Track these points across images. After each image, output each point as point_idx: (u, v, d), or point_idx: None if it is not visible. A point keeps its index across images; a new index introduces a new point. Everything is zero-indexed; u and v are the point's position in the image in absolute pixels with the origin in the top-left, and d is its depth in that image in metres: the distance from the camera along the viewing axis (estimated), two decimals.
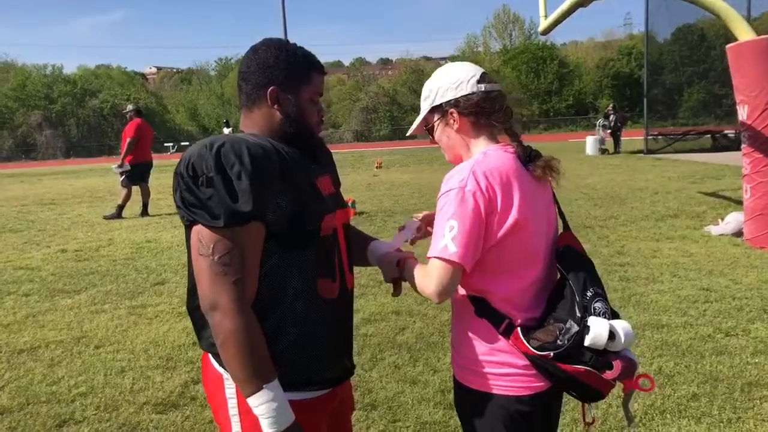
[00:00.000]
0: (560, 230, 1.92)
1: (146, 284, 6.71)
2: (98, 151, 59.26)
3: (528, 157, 1.79)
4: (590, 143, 24.16)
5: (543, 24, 10.32)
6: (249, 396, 1.52)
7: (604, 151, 23.83)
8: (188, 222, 1.58)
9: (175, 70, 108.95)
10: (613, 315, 1.71)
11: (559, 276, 1.80)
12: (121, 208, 11.82)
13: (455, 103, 1.83)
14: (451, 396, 3.73)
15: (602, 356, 1.65)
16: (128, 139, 11.64)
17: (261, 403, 1.51)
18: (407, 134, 2.16)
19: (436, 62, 79.46)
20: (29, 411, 3.78)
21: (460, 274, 1.70)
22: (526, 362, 1.71)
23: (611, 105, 26.50)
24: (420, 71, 62.91)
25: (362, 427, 3.42)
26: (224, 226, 1.51)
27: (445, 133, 1.90)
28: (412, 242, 2.11)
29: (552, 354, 1.65)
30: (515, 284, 1.74)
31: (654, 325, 4.74)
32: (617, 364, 1.65)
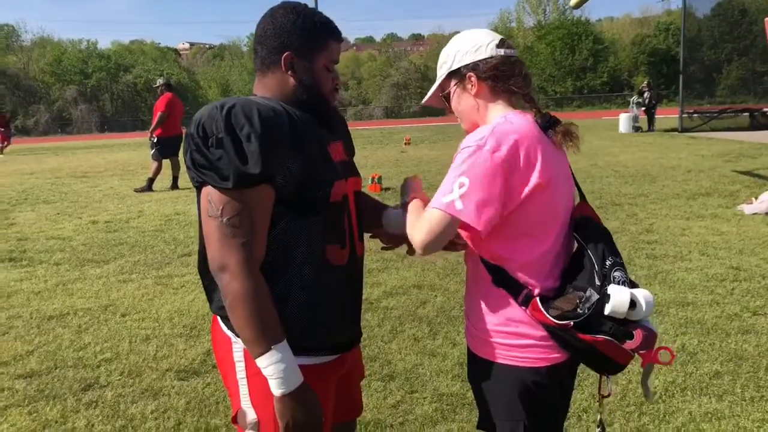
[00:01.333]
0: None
1: (173, 255, 6.81)
2: (132, 126, 60.03)
3: (547, 124, 1.74)
4: (623, 121, 23.73)
5: None
6: (257, 357, 1.52)
7: (637, 129, 23.40)
8: (197, 183, 1.58)
9: (207, 46, 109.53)
10: (632, 285, 1.67)
11: (576, 246, 1.76)
12: (151, 181, 11.97)
13: (474, 66, 1.78)
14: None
15: (623, 325, 1.62)
16: (159, 113, 11.75)
17: (269, 364, 1.51)
18: (422, 103, 2.11)
19: None
20: (56, 375, 3.87)
21: (454, 230, 1.66)
22: (544, 333, 1.68)
23: (646, 82, 25.93)
24: None
25: (380, 398, 3.44)
26: (233, 188, 1.50)
27: (462, 99, 1.84)
28: None
29: (572, 323, 1.61)
30: (534, 249, 1.70)
31: (679, 302, 4.67)
32: (638, 334, 1.61)
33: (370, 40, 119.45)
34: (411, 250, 1.93)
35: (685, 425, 3.04)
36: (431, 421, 3.19)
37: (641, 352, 1.67)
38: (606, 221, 7.47)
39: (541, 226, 1.70)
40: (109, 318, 4.87)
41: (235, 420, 1.68)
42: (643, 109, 24.29)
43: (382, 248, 2.04)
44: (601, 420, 1.89)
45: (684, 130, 22.49)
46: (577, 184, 1.90)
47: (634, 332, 1.61)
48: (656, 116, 24.40)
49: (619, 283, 1.63)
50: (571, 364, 1.77)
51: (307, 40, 1.67)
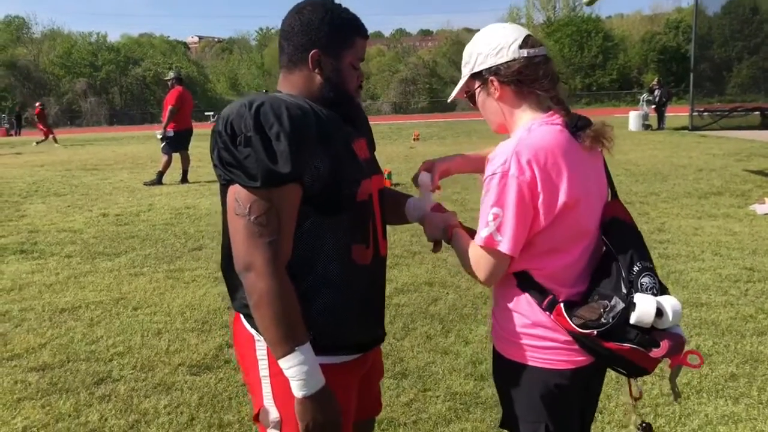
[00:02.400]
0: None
1: (184, 249, 6.82)
2: (140, 118, 60.20)
3: (576, 126, 1.68)
4: (633, 118, 23.61)
5: None
6: (280, 358, 1.51)
7: (647, 127, 23.28)
8: (225, 181, 1.57)
9: (216, 40, 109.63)
10: (662, 289, 1.65)
11: (605, 250, 1.73)
12: (161, 174, 11.99)
13: (495, 70, 1.72)
14: (483, 367, 3.75)
15: (648, 334, 1.59)
16: (169, 107, 11.75)
17: (292, 366, 1.50)
18: (448, 100, 2.09)
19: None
20: (69, 368, 3.88)
21: (506, 261, 1.67)
22: (569, 337, 1.67)
23: (656, 80, 25.81)
24: (460, 43, 62.02)
25: (393, 395, 3.43)
26: (261, 187, 1.49)
27: (486, 102, 1.81)
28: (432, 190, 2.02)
29: (595, 332, 1.59)
30: (562, 260, 1.69)
31: (693, 303, 4.64)
32: (664, 343, 1.58)
33: (378, 36, 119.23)
34: (437, 249, 1.94)
35: (701, 428, 3.02)
36: (445, 420, 3.18)
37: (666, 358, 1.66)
38: None
39: (567, 241, 1.69)
40: (121, 311, 4.88)
41: (257, 418, 1.68)
42: (654, 107, 24.18)
43: (432, 250, 2.03)
44: (642, 422, 1.86)
45: (694, 128, 22.36)
46: (611, 182, 1.85)
47: (660, 341, 1.58)
48: (666, 114, 24.28)
49: (647, 290, 1.60)
50: (597, 367, 1.75)
51: (335, 38, 1.66)
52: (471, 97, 1.86)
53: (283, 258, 1.54)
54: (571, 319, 1.62)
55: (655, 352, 1.58)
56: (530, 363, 1.72)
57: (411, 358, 3.87)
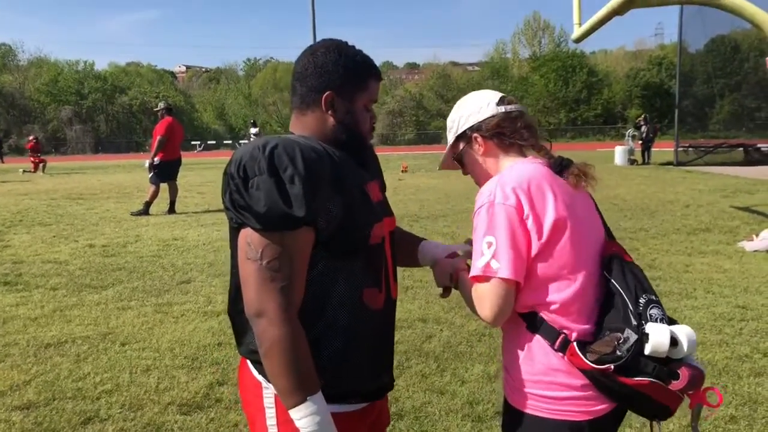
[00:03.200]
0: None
1: (172, 282, 6.72)
2: (126, 147, 60.03)
3: (560, 167, 1.76)
4: (619, 153, 23.91)
5: (577, 32, 10.18)
6: (291, 408, 1.46)
7: (633, 162, 23.56)
8: (236, 224, 1.53)
9: (203, 69, 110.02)
10: (671, 322, 1.64)
11: (607, 286, 1.71)
12: (148, 204, 11.89)
13: (477, 127, 1.85)
14: (480, 408, 3.69)
15: (666, 365, 1.57)
16: (159, 137, 11.71)
17: (304, 416, 1.45)
18: (438, 168, 2.13)
19: (464, 67, 79.20)
20: (55, 407, 3.77)
21: (513, 291, 1.64)
22: (585, 382, 1.63)
23: (643, 116, 26.17)
24: (447, 76, 63.02)
25: None
26: (275, 231, 1.46)
27: (472, 159, 1.91)
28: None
29: (612, 367, 1.56)
30: (565, 291, 1.66)
31: None
32: (683, 372, 1.56)
33: None
34: (445, 295, 1.93)
35: None
36: None
37: (689, 392, 1.62)
38: None
39: (568, 266, 1.66)
40: (109, 347, 4.77)
41: None
42: (640, 142, 24.48)
43: (441, 295, 2.02)
44: None
45: (679, 163, 22.66)
46: (604, 223, 1.87)
47: (678, 371, 1.56)
48: (652, 149, 24.59)
49: (656, 321, 1.59)
50: (614, 414, 1.71)
51: (349, 81, 1.66)
52: (459, 159, 1.96)
53: (296, 304, 1.50)
54: (585, 356, 1.59)
55: (674, 384, 1.56)
56: (545, 415, 1.68)
57: (406, 398, 3.80)
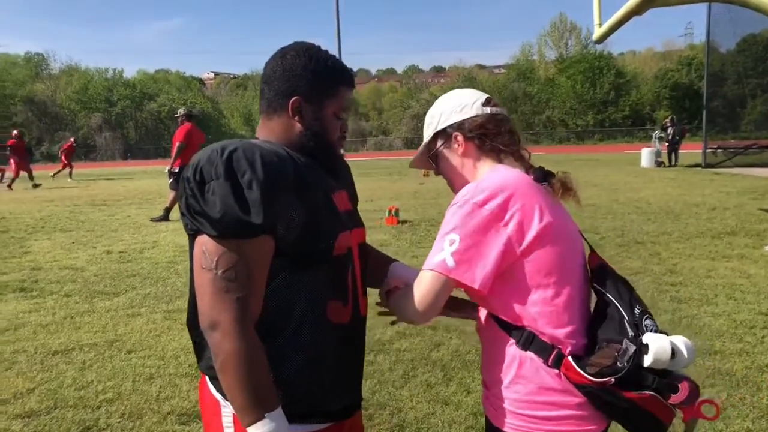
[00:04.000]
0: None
1: (185, 289, 6.69)
2: (155, 153, 60.76)
3: (542, 176, 1.67)
4: (645, 155, 23.49)
5: (597, 32, 10.01)
6: (249, 425, 1.38)
7: (660, 164, 23.13)
8: (191, 231, 1.46)
9: (231, 76, 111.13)
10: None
11: (597, 297, 1.62)
12: (168, 210, 11.95)
13: (459, 125, 1.75)
14: (483, 420, 3.56)
15: (665, 377, 1.48)
16: (178, 143, 11.75)
17: None
18: (409, 165, 2.02)
19: (490, 70, 78.87)
20: (55, 415, 3.74)
21: (449, 291, 1.56)
22: (580, 400, 1.53)
23: (670, 117, 25.71)
24: (472, 79, 62.59)
25: None
26: (230, 238, 1.38)
27: (449, 159, 1.80)
28: None
29: (613, 380, 1.46)
30: (553, 300, 1.56)
31: (706, 351, 4.45)
32: (683, 386, 1.46)
33: (391, 72, 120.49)
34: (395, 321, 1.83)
35: None
36: None
37: (683, 407, 1.51)
38: (628, 260, 7.25)
39: (555, 275, 1.56)
40: (115, 354, 4.75)
41: None
42: (667, 144, 24.05)
43: (379, 313, 1.91)
44: None
45: (707, 165, 22.19)
46: (582, 236, 1.78)
47: (678, 384, 1.46)
48: (679, 151, 24.13)
49: (652, 332, 1.50)
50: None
51: (318, 86, 1.57)
52: (434, 157, 1.84)
53: (253, 316, 1.42)
54: (584, 370, 1.49)
55: (674, 398, 1.47)
56: None
57: (410, 409, 3.70)
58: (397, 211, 10.46)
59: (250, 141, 1.50)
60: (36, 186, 21.67)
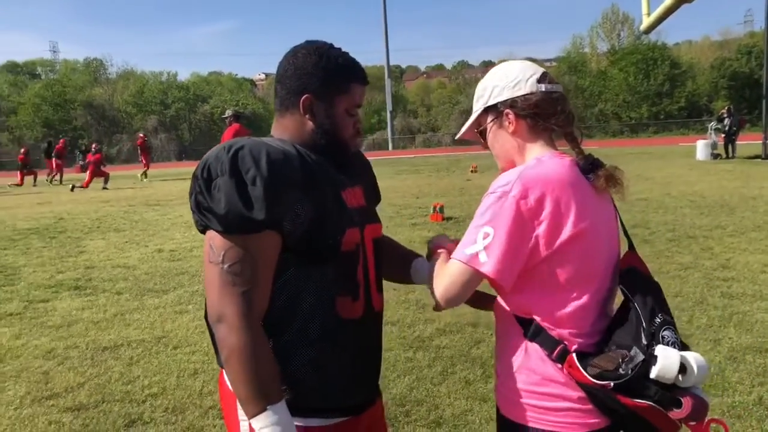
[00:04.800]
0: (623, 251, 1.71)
1: None
2: None
3: (589, 167, 1.59)
4: (701, 148, 22.78)
5: (645, 22, 9.71)
6: (252, 417, 1.41)
7: (716, 156, 22.42)
8: (201, 227, 1.50)
9: None
10: (683, 348, 1.49)
11: (623, 299, 1.59)
12: None
13: (512, 103, 1.65)
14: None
15: (670, 391, 1.43)
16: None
17: (264, 426, 1.40)
18: (456, 137, 1.98)
19: (540, 63, 77.74)
20: (103, 409, 3.87)
21: (477, 284, 1.55)
22: (581, 394, 1.52)
23: (726, 107, 24.87)
24: None
25: None
26: (236, 234, 1.42)
27: (498, 137, 1.72)
28: None
29: (612, 384, 1.44)
30: (569, 304, 1.54)
31: (757, 348, 4.31)
32: (687, 402, 1.42)
33: (440, 68, 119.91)
34: (438, 306, 1.82)
35: None
36: None
37: (690, 423, 1.48)
38: (678, 255, 7.06)
39: (574, 280, 1.54)
40: (161, 350, 4.88)
41: None
42: (723, 135, 23.28)
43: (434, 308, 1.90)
44: None
45: None
46: (626, 232, 1.74)
47: (682, 399, 1.42)
48: (737, 142, 23.33)
49: (668, 344, 1.45)
50: (611, 430, 1.58)
51: (328, 83, 1.59)
52: (482, 133, 1.77)
53: (258, 310, 1.45)
54: (585, 369, 1.48)
55: (675, 413, 1.42)
56: (538, 426, 1.57)
57: (447, 405, 3.70)
58: (442, 207, 10.43)
59: (260, 139, 1.53)
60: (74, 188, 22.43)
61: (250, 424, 1.52)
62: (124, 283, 7.20)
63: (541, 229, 1.50)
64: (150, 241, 9.97)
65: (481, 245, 1.50)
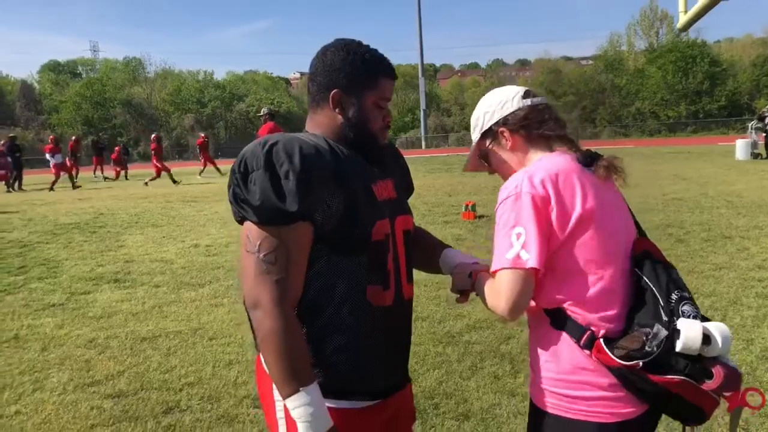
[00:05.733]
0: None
1: None
2: None
3: (588, 159, 1.71)
4: (740, 147, 22.32)
5: (682, 19, 9.60)
6: (286, 398, 1.50)
7: (756, 156, 21.95)
8: (238, 218, 1.60)
9: None
10: (704, 320, 1.55)
11: (637, 283, 1.64)
12: None
13: (504, 121, 1.81)
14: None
15: (699, 363, 1.49)
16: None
17: (297, 406, 1.48)
18: (463, 170, 2.08)
19: (577, 62, 76.86)
20: (142, 396, 4.01)
21: (533, 282, 1.60)
22: (613, 381, 1.57)
23: (767, 106, 24.33)
24: (558, 71, 61.19)
25: None
26: (270, 225, 1.50)
27: (499, 156, 1.86)
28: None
29: (641, 363, 1.49)
30: (591, 287, 1.61)
31: None
32: (717, 371, 1.47)
33: (474, 66, 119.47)
34: (462, 299, 1.89)
35: None
36: None
37: (726, 394, 1.52)
38: (713, 255, 6.98)
39: (594, 262, 1.61)
40: (197, 341, 5.01)
41: None
42: (764, 134, 22.79)
43: (457, 300, 1.97)
44: None
45: None
46: (636, 220, 1.80)
47: (712, 370, 1.47)
48: None
49: (689, 318, 1.51)
50: (645, 420, 1.63)
51: (356, 78, 1.66)
52: (485, 157, 1.91)
53: (292, 297, 1.53)
54: (612, 352, 1.53)
55: (708, 384, 1.48)
56: (571, 416, 1.62)
57: (475, 399, 3.75)
58: (474, 206, 10.44)
59: (294, 135, 1.61)
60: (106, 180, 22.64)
61: (285, 405, 1.61)
62: (162, 276, 7.38)
63: (554, 215, 1.58)
64: (186, 237, 10.18)
65: (518, 246, 1.57)
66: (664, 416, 1.68)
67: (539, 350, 1.70)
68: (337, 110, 1.67)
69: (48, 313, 5.98)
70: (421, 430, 3.42)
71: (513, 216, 1.59)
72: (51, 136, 25.01)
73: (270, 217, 1.49)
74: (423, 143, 52.65)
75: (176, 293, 6.57)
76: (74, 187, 22.40)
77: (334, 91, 1.65)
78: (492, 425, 3.44)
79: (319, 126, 1.70)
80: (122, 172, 28.68)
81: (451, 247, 2.02)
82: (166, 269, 7.77)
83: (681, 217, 9.71)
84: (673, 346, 1.47)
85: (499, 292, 1.60)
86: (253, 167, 1.51)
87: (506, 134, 1.80)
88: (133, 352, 4.84)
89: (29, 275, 7.69)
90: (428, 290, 5.97)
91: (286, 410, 1.60)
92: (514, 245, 1.58)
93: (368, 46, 1.72)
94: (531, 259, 1.55)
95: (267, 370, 1.64)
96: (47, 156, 23.02)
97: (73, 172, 24.21)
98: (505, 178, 1.84)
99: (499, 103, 1.83)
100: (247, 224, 1.55)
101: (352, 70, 1.66)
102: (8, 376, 4.44)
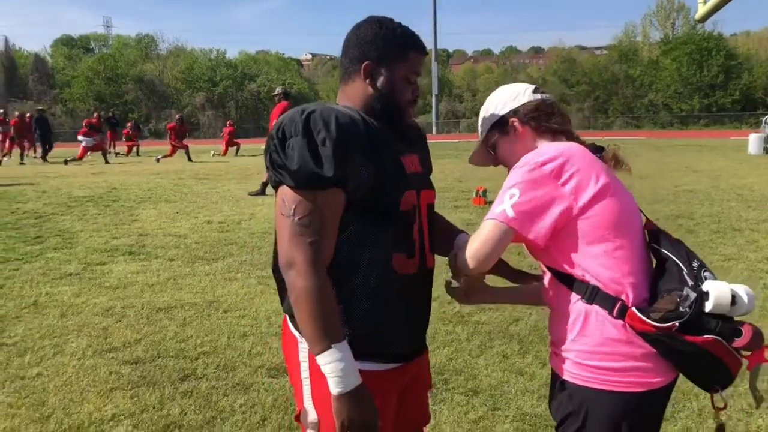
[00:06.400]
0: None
1: None
2: (254, 132, 62.60)
3: (594, 148, 1.84)
4: (753, 141, 22.22)
5: (700, 10, 9.58)
6: (318, 354, 1.56)
7: None
8: (275, 183, 1.66)
9: (328, 57, 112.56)
10: None
11: (655, 256, 1.74)
12: (265, 185, 12.41)
13: (515, 111, 1.89)
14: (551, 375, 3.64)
15: (729, 322, 1.57)
16: (275, 121, 12.15)
17: (328, 362, 1.55)
18: (468, 161, 2.15)
19: (591, 51, 76.38)
20: (159, 363, 4.12)
21: (508, 239, 1.69)
22: (644, 351, 1.63)
23: None
24: (572, 60, 60.82)
25: (462, 412, 3.42)
26: (305, 189, 1.57)
27: (507, 145, 1.92)
28: None
29: (677, 324, 1.56)
30: (617, 252, 1.67)
31: None
32: (747, 329, 1.56)
33: (488, 53, 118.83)
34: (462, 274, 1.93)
35: None
36: None
37: (746, 354, 1.61)
38: (722, 247, 7.03)
39: (615, 228, 1.68)
40: (212, 313, 5.12)
41: (298, 418, 1.74)
42: None
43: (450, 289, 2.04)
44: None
45: None
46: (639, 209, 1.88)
47: (741, 328, 1.56)
48: None
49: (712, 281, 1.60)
50: (667, 392, 1.71)
51: (388, 50, 1.73)
52: (493, 147, 1.97)
53: (325, 259, 1.60)
54: (648, 317, 1.60)
55: (738, 342, 1.56)
56: (600, 386, 1.68)
57: (484, 376, 3.84)
58: (485, 191, 10.50)
59: (330, 104, 1.68)
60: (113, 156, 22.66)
61: (309, 366, 1.69)
62: (176, 250, 7.49)
63: (567, 188, 1.66)
64: (199, 213, 10.29)
65: (507, 204, 1.67)
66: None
67: (565, 327, 1.74)
68: (367, 81, 1.73)
69: (65, 282, 6.10)
70: (431, 402, 3.51)
71: (513, 180, 1.69)
72: (86, 120, 25.11)
73: (306, 181, 1.56)
74: (434, 128, 52.52)
75: (190, 267, 6.68)
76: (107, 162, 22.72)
77: (366, 62, 1.72)
78: (500, 401, 3.53)
79: (349, 98, 1.77)
80: (134, 148, 28.79)
81: (464, 232, 2.08)
82: (180, 243, 7.88)
83: (691, 208, 9.75)
84: (703, 308, 1.55)
85: (474, 238, 1.73)
86: (291, 133, 1.58)
87: (516, 123, 1.88)
88: (150, 321, 4.95)
89: (45, 245, 7.82)
90: (438, 272, 6.04)
91: (311, 371, 1.68)
92: (505, 202, 1.68)
93: (400, 23, 1.79)
94: (515, 219, 1.65)
95: (296, 330, 1.72)
96: (79, 138, 23.19)
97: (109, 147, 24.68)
98: (510, 166, 1.90)
99: (511, 95, 1.92)
100: (283, 189, 1.62)
101: (384, 43, 1.72)
102: (29, 339, 4.56)
